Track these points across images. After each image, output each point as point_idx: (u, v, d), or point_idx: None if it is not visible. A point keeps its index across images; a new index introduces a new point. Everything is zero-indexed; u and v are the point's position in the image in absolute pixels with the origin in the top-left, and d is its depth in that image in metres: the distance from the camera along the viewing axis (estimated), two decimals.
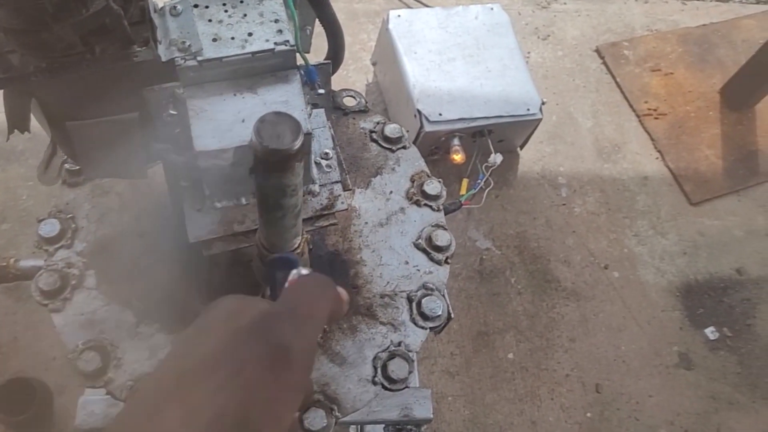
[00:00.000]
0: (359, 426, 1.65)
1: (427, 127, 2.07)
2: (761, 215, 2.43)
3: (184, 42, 0.79)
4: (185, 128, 0.84)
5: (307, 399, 0.63)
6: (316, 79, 0.85)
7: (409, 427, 1.55)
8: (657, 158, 2.54)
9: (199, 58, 0.79)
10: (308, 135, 0.81)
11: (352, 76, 2.55)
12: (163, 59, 0.80)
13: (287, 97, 0.82)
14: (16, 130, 0.84)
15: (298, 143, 0.60)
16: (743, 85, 2.60)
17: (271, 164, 0.61)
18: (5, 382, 1.69)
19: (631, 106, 2.66)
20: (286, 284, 0.60)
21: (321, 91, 0.87)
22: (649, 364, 2.09)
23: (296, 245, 0.79)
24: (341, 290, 0.59)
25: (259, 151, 0.59)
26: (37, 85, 0.75)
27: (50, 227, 1.04)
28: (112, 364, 0.96)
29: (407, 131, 1.25)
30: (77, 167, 1.11)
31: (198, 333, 0.48)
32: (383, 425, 1.55)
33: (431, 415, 1.43)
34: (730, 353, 2.15)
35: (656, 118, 2.62)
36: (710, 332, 2.17)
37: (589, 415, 1.98)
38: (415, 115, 2.09)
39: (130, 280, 1.04)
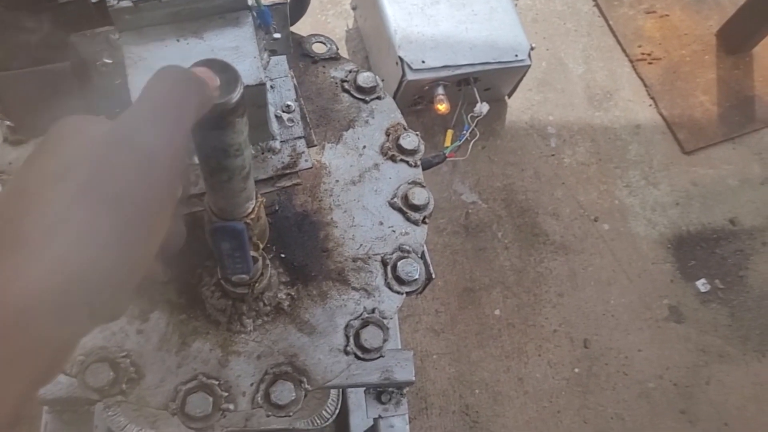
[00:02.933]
0: (340, 390, 1.61)
1: (410, 76, 1.97)
2: (756, 163, 2.36)
3: None
4: (124, 79, 0.75)
5: (178, 236, 0.55)
6: (270, 22, 0.76)
7: (391, 389, 1.51)
8: (650, 105, 2.45)
9: None
10: (260, 86, 0.72)
11: (332, 22, 2.42)
12: (93, 0, 0.70)
13: (237, 43, 0.73)
14: None
15: (236, 96, 0.51)
16: (741, 27, 2.49)
17: (206, 121, 0.52)
18: None
19: (624, 50, 2.56)
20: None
21: (277, 35, 0.77)
22: (638, 318, 2.05)
23: (249, 210, 0.71)
24: (206, 72, 0.50)
25: None
26: None
27: None
28: None
29: (383, 80, 1.16)
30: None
31: (43, 151, 0.40)
32: (364, 389, 1.51)
33: (413, 378, 1.38)
34: (722, 305, 2.11)
35: (650, 63, 2.52)
36: (701, 284, 2.13)
37: (576, 370, 1.95)
38: (397, 63, 1.99)
39: None
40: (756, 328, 2.06)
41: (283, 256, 0.99)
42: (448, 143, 2.01)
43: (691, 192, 2.27)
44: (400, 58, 1.97)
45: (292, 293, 0.95)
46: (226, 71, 0.51)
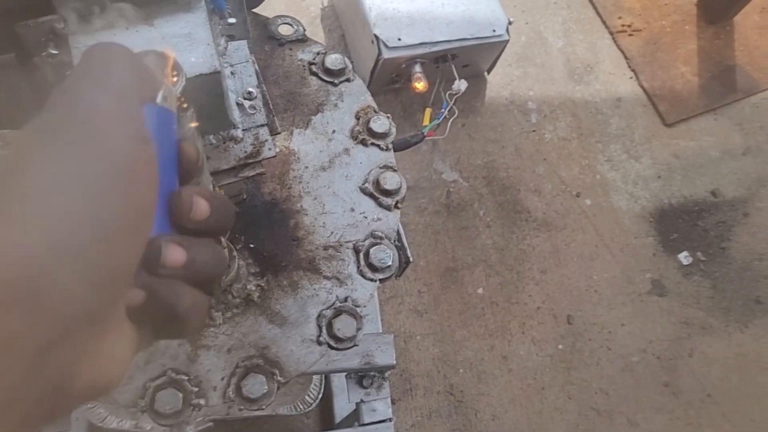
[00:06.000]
0: (323, 375, 1.60)
1: (386, 54, 1.93)
2: (737, 134, 2.35)
3: None
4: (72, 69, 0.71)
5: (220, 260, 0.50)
6: (224, 6, 0.73)
7: (372, 373, 1.50)
8: (631, 78, 2.43)
9: None
10: (215, 74, 0.69)
11: (306, 0, 2.37)
12: None
13: (190, 29, 0.70)
14: None
15: (177, 89, 0.49)
16: None
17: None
18: None
19: (604, 22, 2.52)
20: None
21: (232, 20, 0.74)
22: (621, 292, 2.05)
23: None
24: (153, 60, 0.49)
25: None
26: None
27: None
28: None
29: (351, 62, 1.13)
30: None
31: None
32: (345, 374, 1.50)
33: (394, 362, 1.37)
34: (704, 278, 2.11)
35: (630, 35, 2.49)
36: (684, 257, 2.13)
37: (560, 347, 1.95)
38: (373, 41, 1.95)
39: None
40: (738, 300, 2.07)
41: (252, 246, 0.97)
42: (426, 122, 1.98)
43: (672, 165, 2.26)
44: (376, 36, 1.93)
45: (262, 284, 0.94)
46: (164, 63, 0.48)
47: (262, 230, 0.98)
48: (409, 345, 1.87)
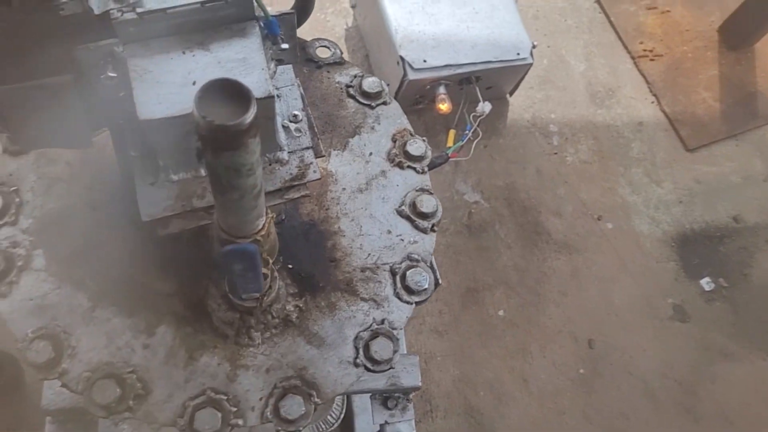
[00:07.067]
0: (345, 396, 1.59)
1: (411, 75, 1.95)
2: (759, 160, 2.35)
3: None
4: (129, 92, 0.73)
5: None
6: (278, 32, 0.74)
7: (397, 394, 1.49)
8: (652, 102, 2.44)
9: (138, 10, 0.68)
10: (269, 99, 0.70)
11: (331, 20, 2.40)
12: (96, 12, 0.68)
13: (245, 54, 0.71)
14: None
15: (249, 116, 0.50)
16: (743, 22, 2.47)
17: (219, 142, 0.51)
18: None
19: (625, 47, 2.54)
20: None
21: (285, 45, 0.75)
22: (642, 317, 2.04)
23: (260, 227, 0.69)
24: None
25: (202, 128, 0.49)
26: None
27: None
28: (65, 354, 0.87)
29: (388, 84, 1.14)
30: None
31: None
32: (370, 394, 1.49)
33: (420, 383, 1.37)
34: (726, 304, 2.10)
35: (652, 60, 2.50)
36: (706, 283, 2.12)
37: (581, 371, 1.94)
38: (398, 63, 1.97)
39: (82, 258, 0.94)
40: (760, 326, 2.05)
41: (290, 266, 0.98)
42: (450, 143, 1.99)
43: (694, 189, 2.26)
44: (402, 58, 1.95)
45: (301, 305, 0.94)
46: (240, 92, 0.49)
47: (300, 251, 0.98)
48: (430, 365, 1.86)
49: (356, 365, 0.92)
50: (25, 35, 0.65)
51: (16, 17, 0.62)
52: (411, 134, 1.10)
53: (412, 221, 1.02)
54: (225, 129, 0.49)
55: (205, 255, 0.95)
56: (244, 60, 0.71)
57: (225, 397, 0.86)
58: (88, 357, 0.87)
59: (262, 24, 0.73)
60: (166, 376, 0.86)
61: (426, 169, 1.07)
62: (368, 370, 0.93)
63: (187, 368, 0.87)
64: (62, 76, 0.71)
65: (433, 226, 1.03)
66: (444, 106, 1.99)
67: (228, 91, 0.50)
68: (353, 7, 2.38)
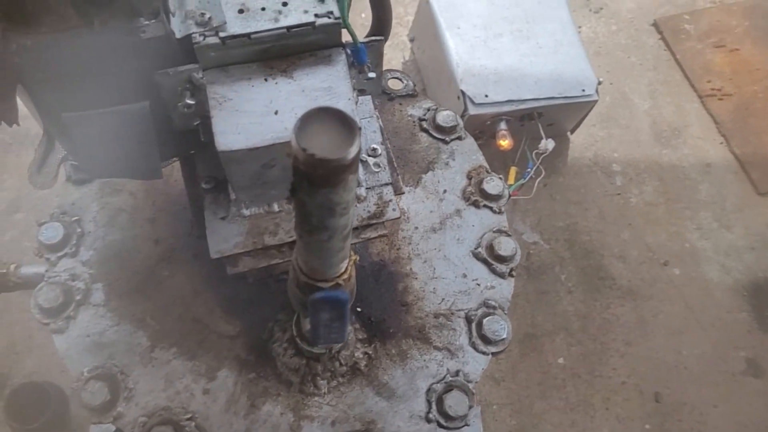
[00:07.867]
0: None
1: (472, 110, 1.90)
2: None
3: (203, 14, 0.63)
4: (205, 120, 0.69)
5: None
6: (365, 60, 0.69)
7: None
8: (721, 143, 2.33)
9: (221, 34, 0.64)
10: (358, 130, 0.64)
11: (387, 53, 2.37)
12: (178, 35, 0.64)
13: (330, 83, 0.66)
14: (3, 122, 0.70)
15: (353, 150, 0.44)
16: None
17: (318, 178, 0.45)
18: (17, 387, 1.59)
19: (692, 85, 2.45)
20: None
21: (372, 74, 0.71)
22: (713, 370, 1.91)
23: (342, 270, 0.63)
24: None
25: (300, 161, 0.44)
26: (22, 68, 0.60)
27: (52, 232, 0.90)
28: (122, 396, 0.83)
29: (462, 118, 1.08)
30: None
31: None
32: None
33: None
34: None
35: (720, 99, 2.40)
36: None
37: (648, 426, 1.81)
38: (459, 97, 1.92)
39: (143, 294, 0.90)
40: None
41: (359, 310, 0.92)
42: (511, 181, 1.92)
43: (767, 236, 2.14)
44: (462, 92, 1.90)
45: (370, 352, 0.88)
46: (344, 123, 0.44)
47: (370, 293, 0.93)
48: (486, 415, 1.77)
49: (428, 420, 0.85)
50: (103, 58, 0.61)
51: (96, 39, 0.58)
52: (487, 171, 1.04)
53: (489, 264, 0.96)
54: (326, 163, 0.43)
55: (271, 296, 0.89)
56: (329, 89, 0.66)
57: None
58: (145, 400, 0.82)
59: (349, 51, 0.68)
60: (226, 424, 0.81)
61: (503, 209, 1.01)
62: (441, 426, 0.86)
63: (248, 417, 0.81)
64: (139, 102, 0.67)
65: (511, 270, 0.96)
66: (505, 143, 1.93)
67: (330, 122, 0.45)
68: (411, 40, 2.35)
